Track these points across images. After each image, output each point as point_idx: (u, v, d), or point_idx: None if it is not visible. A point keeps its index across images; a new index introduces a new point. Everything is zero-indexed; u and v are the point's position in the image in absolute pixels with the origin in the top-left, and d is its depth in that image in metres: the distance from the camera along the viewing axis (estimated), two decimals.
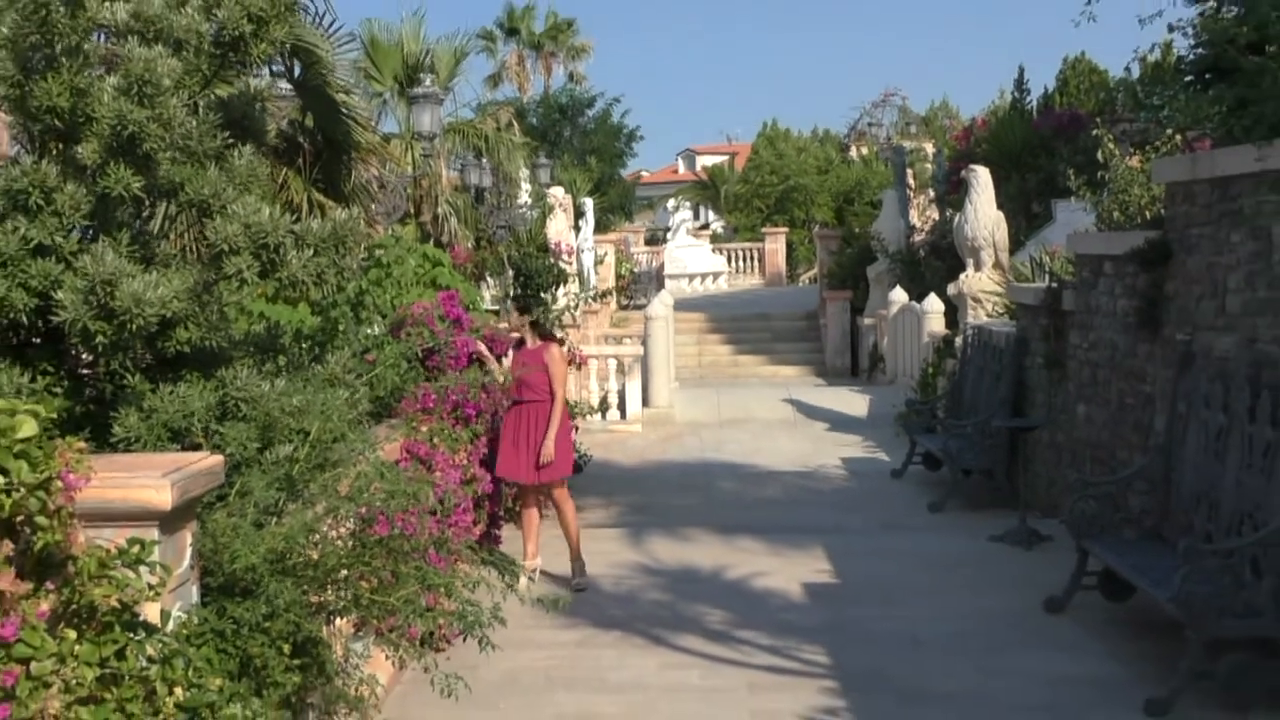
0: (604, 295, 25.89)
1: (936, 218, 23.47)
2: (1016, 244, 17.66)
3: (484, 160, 18.01)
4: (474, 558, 5.68)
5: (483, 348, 8.87)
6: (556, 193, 24.67)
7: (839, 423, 17.54)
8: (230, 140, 5.21)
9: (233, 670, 4.07)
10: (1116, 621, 7.74)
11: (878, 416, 17.32)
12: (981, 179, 16.88)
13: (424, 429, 8.20)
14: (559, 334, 13.64)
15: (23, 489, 3.11)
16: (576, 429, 11.11)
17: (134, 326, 4.60)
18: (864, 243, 26.19)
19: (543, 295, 15.02)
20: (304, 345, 6.89)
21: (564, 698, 6.67)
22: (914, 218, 24.44)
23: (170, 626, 3.74)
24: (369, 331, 9.50)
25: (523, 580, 8.27)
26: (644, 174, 61.17)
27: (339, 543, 4.78)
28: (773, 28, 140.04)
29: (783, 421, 17.87)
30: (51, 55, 4.80)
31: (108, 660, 3.28)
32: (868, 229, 26.48)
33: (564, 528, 8.99)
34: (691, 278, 36.60)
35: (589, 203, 29.80)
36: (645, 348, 18.34)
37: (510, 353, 9.14)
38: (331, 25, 11.08)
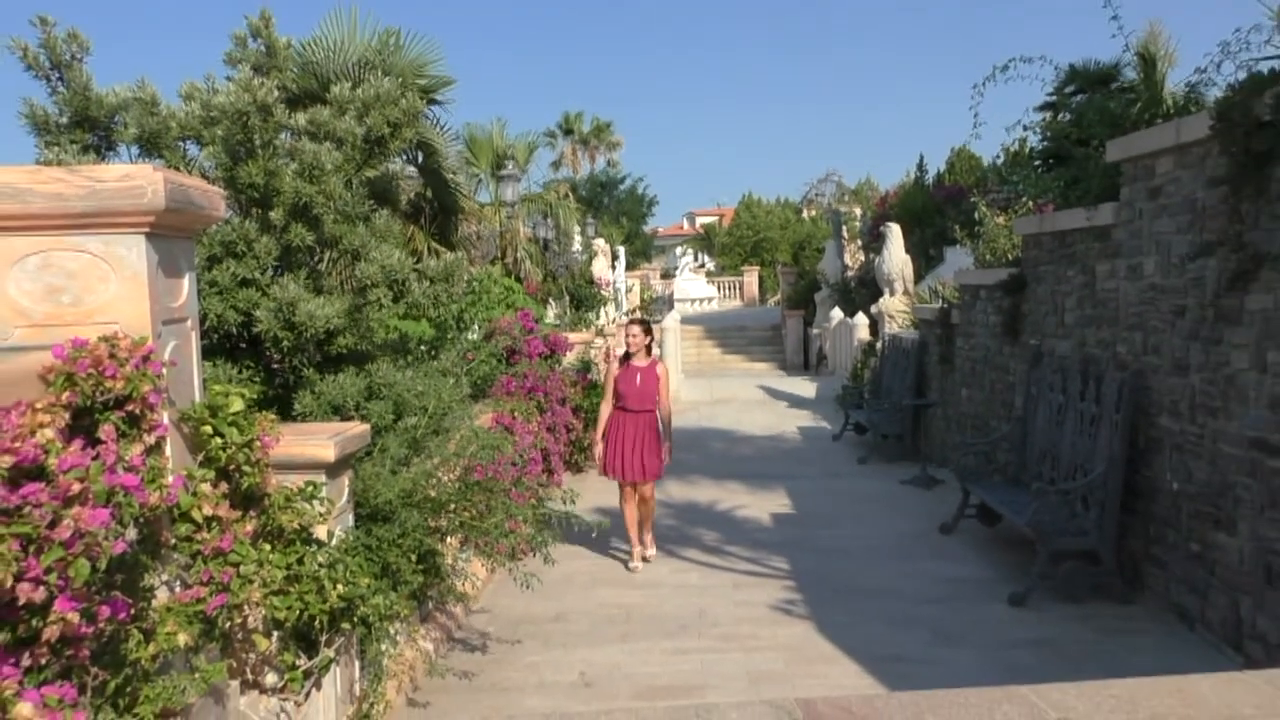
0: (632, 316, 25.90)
1: (863, 259, 23.22)
2: (919, 277, 17.53)
3: (549, 220, 18.00)
4: (543, 496, 5.69)
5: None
6: (599, 243, 24.64)
7: (795, 402, 17.47)
8: (374, 206, 5.24)
9: (376, 573, 4.11)
10: (989, 540, 7.69)
11: (822, 397, 17.24)
12: (894, 232, 16.80)
13: (507, 405, 8.23)
14: (601, 340, 13.51)
15: (234, 446, 3.13)
16: None
17: (309, 335, 4.65)
18: (813, 277, 26.04)
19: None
20: (424, 348, 6.92)
21: (604, 592, 6.67)
22: (848, 259, 24.24)
23: (334, 542, 3.76)
24: (469, 338, 9.55)
25: (636, 563, 7.24)
26: (659, 229, 60.72)
27: (449, 484, 4.81)
28: (750, 125, 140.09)
29: (757, 401, 17.80)
30: (251, 148, 4.84)
31: (291, 565, 3.31)
32: (815, 267, 26.35)
33: (649, 511, 7.46)
34: (693, 301, 36.60)
35: (622, 249, 29.77)
36: (661, 350, 18.31)
37: (612, 364, 7.54)
38: (444, 127, 11.10)
